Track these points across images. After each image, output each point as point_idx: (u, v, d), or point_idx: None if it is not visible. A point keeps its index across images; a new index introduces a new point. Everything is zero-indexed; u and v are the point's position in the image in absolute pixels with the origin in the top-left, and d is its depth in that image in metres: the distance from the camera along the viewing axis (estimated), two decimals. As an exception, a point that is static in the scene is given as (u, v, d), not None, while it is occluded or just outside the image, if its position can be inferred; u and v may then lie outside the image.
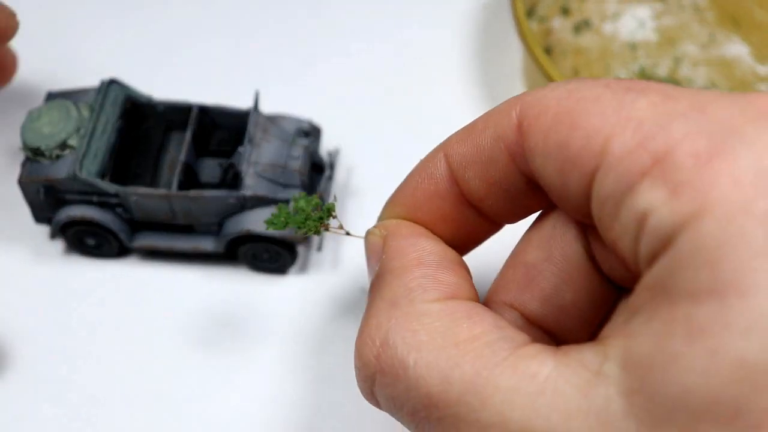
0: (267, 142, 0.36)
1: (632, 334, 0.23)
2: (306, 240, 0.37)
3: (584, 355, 0.24)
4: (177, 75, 0.44)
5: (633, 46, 0.44)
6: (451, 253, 0.30)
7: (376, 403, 0.29)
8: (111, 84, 0.37)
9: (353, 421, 0.35)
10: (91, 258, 0.39)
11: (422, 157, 0.31)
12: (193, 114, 0.37)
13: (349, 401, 0.35)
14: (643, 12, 0.46)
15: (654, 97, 0.24)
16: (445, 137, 0.37)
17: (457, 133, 0.29)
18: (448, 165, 0.30)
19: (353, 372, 0.29)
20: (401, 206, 0.31)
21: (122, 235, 0.37)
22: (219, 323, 0.37)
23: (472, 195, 0.29)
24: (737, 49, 0.44)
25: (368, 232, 0.31)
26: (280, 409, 0.35)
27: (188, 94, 0.42)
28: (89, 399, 0.35)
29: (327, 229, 0.31)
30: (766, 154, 0.21)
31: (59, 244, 0.39)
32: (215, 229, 0.37)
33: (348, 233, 0.32)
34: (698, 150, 0.22)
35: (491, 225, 0.31)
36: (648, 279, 0.23)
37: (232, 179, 0.37)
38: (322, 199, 0.34)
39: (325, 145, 0.41)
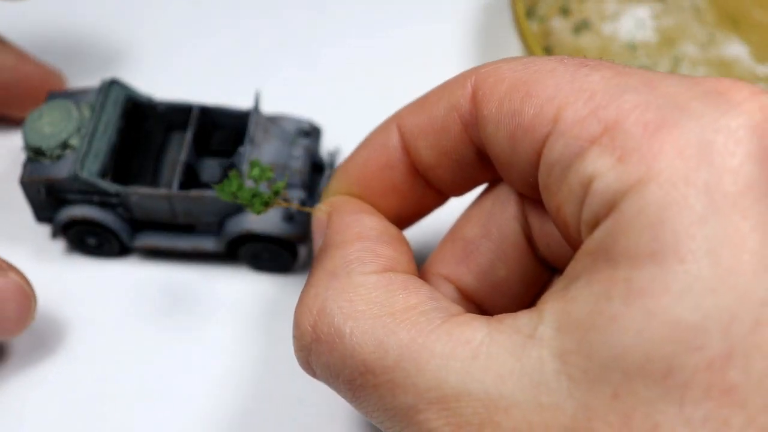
0: (267, 143, 0.37)
1: (570, 297, 0.24)
2: (306, 239, 0.37)
3: (518, 321, 0.25)
4: (177, 75, 0.44)
5: (632, 47, 0.44)
6: (392, 228, 0.31)
7: (313, 373, 0.29)
8: (112, 84, 0.37)
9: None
10: (92, 257, 0.39)
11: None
12: (194, 114, 0.37)
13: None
14: (643, 12, 0.46)
15: (606, 72, 0.25)
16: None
17: (410, 105, 0.30)
18: (401, 135, 0.30)
19: None
20: (352, 176, 0.32)
21: (123, 235, 0.37)
22: (220, 322, 0.37)
23: (422, 165, 0.30)
24: (736, 49, 0.44)
25: (315, 209, 0.32)
26: (280, 404, 0.35)
27: (189, 94, 0.42)
28: (90, 397, 0.35)
29: (272, 206, 0.32)
30: (709, 128, 0.23)
31: (60, 244, 0.39)
32: (216, 228, 0.37)
33: (299, 208, 0.32)
34: (646, 120, 0.23)
35: (438, 196, 0.32)
36: (589, 244, 0.24)
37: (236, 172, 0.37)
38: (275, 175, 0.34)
39: (325, 145, 0.42)
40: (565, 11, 0.46)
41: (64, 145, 0.36)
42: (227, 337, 0.37)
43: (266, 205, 0.31)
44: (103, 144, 0.36)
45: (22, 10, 0.41)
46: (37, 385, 0.36)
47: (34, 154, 0.36)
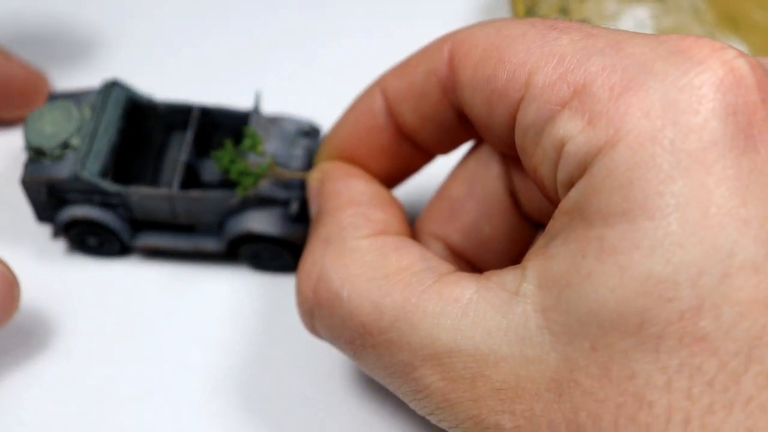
0: (268, 142, 0.37)
1: (549, 255, 0.25)
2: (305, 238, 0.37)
3: (504, 277, 0.26)
4: (177, 75, 0.44)
5: (632, 47, 0.44)
6: (382, 191, 0.32)
7: (318, 336, 0.31)
8: (112, 85, 0.37)
9: (369, 419, 0.35)
10: (93, 257, 0.39)
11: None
12: (194, 115, 0.37)
13: (359, 393, 0.36)
14: (643, 12, 0.46)
15: (575, 35, 0.26)
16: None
17: (392, 70, 0.31)
18: (385, 99, 0.31)
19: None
20: (341, 140, 0.33)
21: (123, 235, 0.37)
22: (220, 322, 0.37)
23: (407, 127, 0.31)
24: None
25: (308, 175, 0.33)
26: (281, 404, 0.35)
27: (188, 94, 0.42)
28: (90, 397, 0.36)
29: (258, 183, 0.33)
30: (673, 88, 0.23)
31: (61, 244, 0.39)
32: (216, 228, 0.37)
33: (291, 175, 0.34)
34: (613, 83, 0.24)
35: (424, 155, 0.33)
36: (565, 203, 0.25)
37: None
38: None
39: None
40: (564, 11, 0.46)
41: (65, 145, 0.36)
42: (227, 336, 0.37)
43: (255, 181, 0.33)
44: (103, 144, 0.36)
45: (24, 11, 0.41)
46: (36, 384, 0.36)
47: (35, 154, 0.36)
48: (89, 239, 0.38)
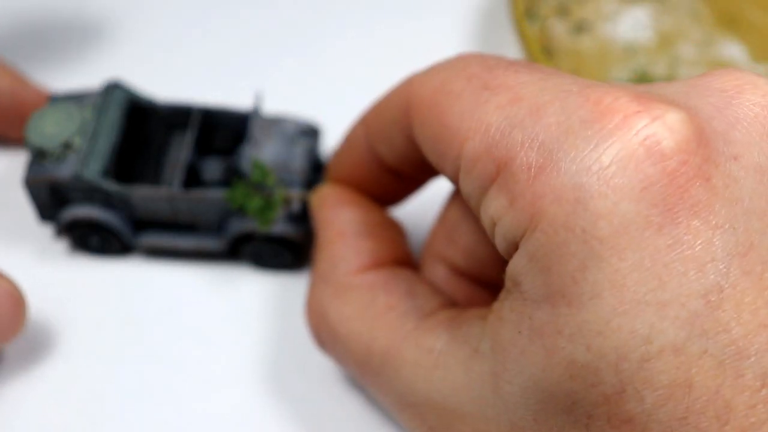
0: (268, 143, 0.37)
1: (500, 317, 0.25)
2: (309, 238, 0.37)
3: (471, 329, 0.27)
4: (177, 76, 0.44)
5: (631, 47, 0.45)
6: (374, 216, 0.33)
7: (328, 357, 0.33)
8: (114, 86, 0.38)
9: (369, 421, 0.35)
10: (96, 256, 0.39)
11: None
12: (195, 116, 0.38)
13: (362, 392, 0.36)
14: (642, 13, 0.46)
15: (502, 98, 0.25)
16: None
17: (373, 106, 0.31)
18: (366, 135, 0.32)
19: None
20: (336, 166, 0.34)
21: (125, 235, 0.37)
22: (223, 321, 0.38)
23: (387, 164, 0.32)
24: (734, 49, 0.44)
25: (310, 199, 0.34)
26: (282, 404, 0.36)
27: (189, 94, 0.42)
28: (92, 397, 0.36)
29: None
30: (583, 169, 0.22)
31: (63, 243, 0.39)
32: (217, 228, 0.37)
33: (301, 197, 0.35)
34: (530, 163, 0.23)
35: (415, 182, 0.33)
36: (508, 271, 0.25)
37: (238, 179, 0.37)
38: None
39: (326, 145, 0.42)
40: (564, 12, 0.46)
41: (67, 146, 0.36)
42: (230, 334, 0.37)
43: (272, 218, 0.34)
44: (105, 144, 0.36)
45: (25, 12, 0.41)
46: (38, 384, 0.36)
47: (37, 155, 0.36)
48: (91, 239, 0.38)
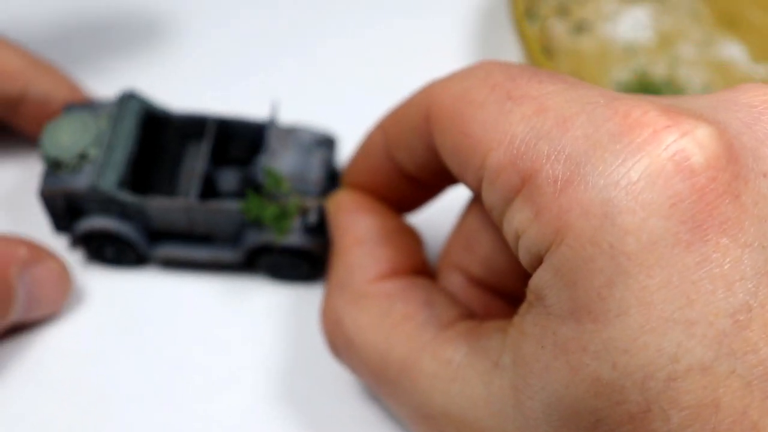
0: (285, 153, 0.37)
1: (522, 331, 0.25)
2: (326, 250, 0.37)
3: (490, 342, 0.27)
4: (187, 85, 0.44)
5: (631, 47, 0.45)
6: (392, 223, 0.32)
7: (343, 366, 0.32)
8: (129, 96, 0.37)
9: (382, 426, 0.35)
10: (111, 267, 0.39)
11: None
12: (210, 126, 0.37)
13: (378, 408, 0.36)
14: (642, 13, 0.46)
15: (527, 108, 0.25)
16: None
17: (392, 112, 0.31)
18: (385, 141, 0.31)
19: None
20: (353, 171, 0.33)
21: (140, 246, 0.37)
22: (237, 332, 0.37)
23: (406, 171, 0.31)
24: (734, 49, 0.44)
25: (327, 204, 0.34)
26: (297, 415, 0.36)
27: (204, 104, 0.42)
28: (108, 408, 0.35)
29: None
30: (611, 183, 0.22)
31: (78, 254, 0.39)
32: (234, 239, 0.37)
33: (318, 201, 0.35)
34: (557, 175, 0.23)
35: (434, 189, 0.33)
36: (531, 284, 0.24)
37: (251, 189, 0.37)
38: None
39: (341, 154, 0.42)
40: (564, 12, 0.46)
41: (83, 156, 0.35)
42: (245, 347, 0.37)
43: (288, 227, 0.34)
44: (121, 155, 0.36)
45: (37, 22, 0.40)
46: (53, 395, 0.36)
47: (53, 166, 0.36)
48: (106, 250, 0.38)
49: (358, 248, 0.31)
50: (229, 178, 0.38)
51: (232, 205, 0.35)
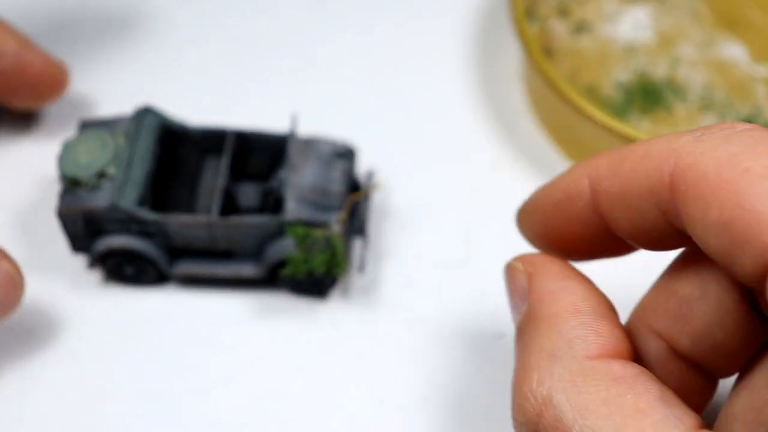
0: (306, 166, 0.36)
1: None
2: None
3: None
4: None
5: (631, 48, 0.45)
6: (601, 296, 0.29)
7: None
8: (145, 111, 0.37)
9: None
10: (130, 286, 0.38)
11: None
12: (229, 139, 0.37)
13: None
14: (642, 13, 0.46)
15: None
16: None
17: (603, 161, 0.28)
18: (592, 192, 0.28)
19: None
20: (534, 217, 0.30)
21: (161, 264, 0.36)
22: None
23: (616, 229, 0.28)
24: (735, 50, 0.44)
25: (509, 266, 0.30)
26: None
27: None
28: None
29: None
30: None
31: (97, 274, 0.38)
32: (255, 254, 0.37)
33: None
34: None
35: (629, 249, 0.30)
36: None
37: (273, 204, 0.36)
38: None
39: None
40: (564, 12, 0.46)
41: (101, 174, 0.35)
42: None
43: (345, 265, 0.35)
44: (140, 172, 0.36)
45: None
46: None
47: (71, 185, 0.35)
48: (126, 268, 0.37)
49: (575, 318, 0.27)
50: (248, 193, 0.37)
51: (254, 220, 0.35)
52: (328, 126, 0.42)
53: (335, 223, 0.35)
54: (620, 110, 0.42)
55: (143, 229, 0.36)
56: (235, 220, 0.35)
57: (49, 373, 0.36)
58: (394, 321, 0.38)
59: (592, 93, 0.43)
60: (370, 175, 0.39)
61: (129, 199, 0.35)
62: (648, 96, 0.43)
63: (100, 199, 0.35)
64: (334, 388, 0.36)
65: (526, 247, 0.40)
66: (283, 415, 0.35)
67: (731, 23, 0.45)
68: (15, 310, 0.34)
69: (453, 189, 0.41)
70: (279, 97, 0.44)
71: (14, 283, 0.34)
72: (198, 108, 0.42)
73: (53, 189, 0.40)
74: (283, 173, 0.36)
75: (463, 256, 0.39)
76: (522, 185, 0.42)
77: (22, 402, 0.35)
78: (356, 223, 0.37)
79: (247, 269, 0.37)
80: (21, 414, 0.35)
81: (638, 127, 0.42)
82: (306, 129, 0.40)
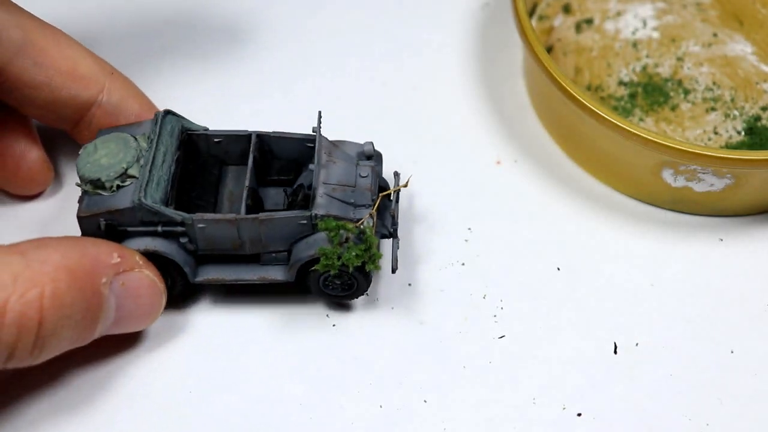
0: (334, 164, 0.36)
1: None
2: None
3: None
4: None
5: (635, 45, 0.44)
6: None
7: None
8: (167, 115, 0.36)
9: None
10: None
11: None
12: (253, 141, 0.36)
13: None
14: (645, 10, 0.45)
15: None
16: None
17: None
18: None
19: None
20: None
21: (187, 269, 0.35)
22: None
23: None
24: (740, 47, 0.44)
25: None
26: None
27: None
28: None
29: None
30: None
31: None
32: (283, 257, 0.36)
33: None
34: None
35: None
36: None
37: (302, 201, 0.36)
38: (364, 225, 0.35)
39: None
40: (567, 9, 0.46)
41: (124, 175, 0.35)
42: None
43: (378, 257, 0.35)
44: (163, 173, 0.35)
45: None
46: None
47: (92, 187, 0.35)
48: None
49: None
50: (274, 196, 0.37)
51: (283, 216, 0.34)
52: (329, 126, 0.41)
53: (368, 217, 0.35)
54: (624, 108, 0.42)
55: (168, 231, 0.35)
56: (264, 215, 0.34)
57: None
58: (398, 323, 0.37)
59: (595, 91, 0.42)
60: (398, 176, 0.38)
61: (153, 199, 0.34)
62: (652, 94, 0.42)
63: (123, 200, 0.34)
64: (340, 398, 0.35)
65: (527, 247, 0.40)
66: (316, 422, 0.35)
67: (738, 21, 0.45)
68: (158, 316, 0.35)
69: (454, 189, 0.41)
70: (279, 100, 0.44)
71: (158, 290, 0.34)
72: (213, 114, 0.42)
73: (75, 197, 0.38)
74: (313, 167, 0.35)
75: (465, 255, 0.39)
76: (525, 183, 0.42)
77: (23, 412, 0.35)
78: (384, 223, 0.37)
79: (275, 273, 0.36)
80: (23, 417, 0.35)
81: (642, 125, 0.41)
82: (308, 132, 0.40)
